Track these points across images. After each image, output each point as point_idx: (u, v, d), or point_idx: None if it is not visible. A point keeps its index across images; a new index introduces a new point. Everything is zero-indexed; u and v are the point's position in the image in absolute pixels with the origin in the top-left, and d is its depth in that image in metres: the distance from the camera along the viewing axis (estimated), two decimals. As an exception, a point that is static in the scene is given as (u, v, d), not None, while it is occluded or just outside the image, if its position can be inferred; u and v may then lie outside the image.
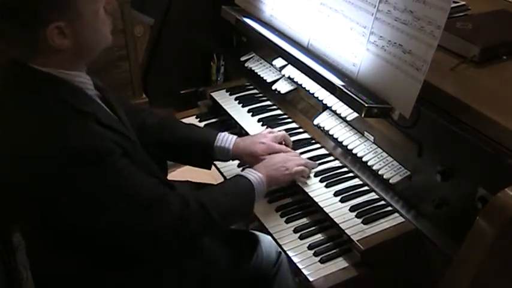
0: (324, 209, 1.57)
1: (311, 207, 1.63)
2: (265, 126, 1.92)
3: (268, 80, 2.04)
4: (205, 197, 1.40)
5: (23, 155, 1.19)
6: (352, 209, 1.56)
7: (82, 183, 1.19)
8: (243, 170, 1.79)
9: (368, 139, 1.68)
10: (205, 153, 1.69)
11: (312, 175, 1.68)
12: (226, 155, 1.69)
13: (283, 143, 1.75)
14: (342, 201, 1.59)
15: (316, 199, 1.60)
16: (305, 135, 1.88)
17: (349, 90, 1.48)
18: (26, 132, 1.20)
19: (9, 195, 1.34)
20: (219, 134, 1.69)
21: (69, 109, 1.20)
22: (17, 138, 1.21)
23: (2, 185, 1.30)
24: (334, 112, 1.72)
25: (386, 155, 1.62)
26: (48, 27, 1.16)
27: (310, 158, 1.75)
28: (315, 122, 1.83)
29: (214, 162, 1.79)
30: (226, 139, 1.68)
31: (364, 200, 1.60)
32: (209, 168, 1.76)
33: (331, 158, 1.77)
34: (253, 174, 1.52)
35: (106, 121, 1.26)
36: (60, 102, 1.21)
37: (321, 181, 1.66)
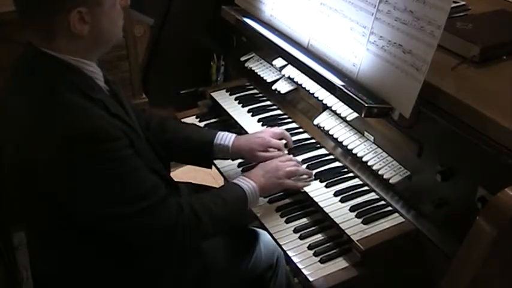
0: (324, 209, 1.57)
1: (311, 207, 1.63)
2: (265, 126, 1.92)
3: (268, 80, 2.04)
4: (199, 205, 1.40)
5: (31, 135, 1.21)
6: (352, 209, 1.56)
7: (85, 164, 1.20)
8: (243, 170, 1.79)
9: (368, 139, 1.68)
10: (205, 152, 1.70)
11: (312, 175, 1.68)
12: (226, 152, 1.70)
13: (284, 140, 1.76)
14: (342, 201, 1.59)
15: (316, 199, 1.60)
16: (305, 135, 1.88)
17: (349, 90, 1.48)
18: (35, 114, 1.21)
19: (15, 186, 1.34)
20: (218, 132, 1.70)
21: (79, 94, 1.23)
22: (26, 120, 1.22)
23: (9, 178, 1.31)
24: (334, 112, 1.72)
25: (386, 155, 1.62)
26: (71, 11, 1.19)
27: (311, 158, 1.75)
28: (315, 122, 1.83)
29: (215, 162, 1.80)
30: (226, 137, 1.69)
31: (364, 200, 1.60)
32: (210, 167, 1.77)
33: (331, 158, 1.77)
34: (247, 183, 1.52)
35: (114, 110, 1.28)
36: (70, 86, 1.23)
37: (321, 181, 1.66)
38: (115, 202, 1.26)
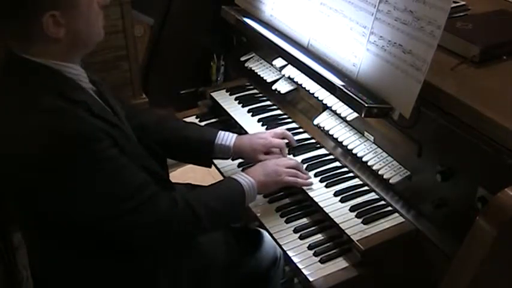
0: (324, 209, 1.57)
1: (311, 207, 1.63)
2: (265, 126, 1.92)
3: (268, 80, 2.04)
4: (195, 199, 1.40)
5: (10, 142, 1.20)
6: (352, 209, 1.56)
7: (68, 168, 1.20)
8: (243, 170, 1.79)
9: (368, 139, 1.68)
10: (205, 152, 1.69)
11: (312, 175, 1.68)
12: (227, 152, 1.69)
13: (286, 140, 1.77)
14: (342, 201, 1.59)
15: (316, 199, 1.60)
16: (305, 135, 1.88)
17: (349, 90, 1.48)
18: (15, 120, 1.20)
19: (5, 190, 1.34)
20: (219, 132, 1.70)
21: (59, 98, 1.21)
22: (5, 126, 1.22)
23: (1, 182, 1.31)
24: (334, 112, 1.72)
25: (387, 155, 1.62)
26: (44, 15, 1.17)
27: (311, 158, 1.75)
28: (315, 122, 1.83)
29: (215, 162, 1.80)
30: (227, 137, 1.69)
31: (364, 200, 1.60)
32: (209, 167, 1.77)
33: (331, 158, 1.77)
34: (245, 179, 1.51)
35: (97, 111, 1.26)
36: (51, 91, 1.21)
37: (321, 181, 1.66)
38: (102, 203, 1.25)
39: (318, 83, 1.65)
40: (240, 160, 1.83)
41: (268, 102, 2.07)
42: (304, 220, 1.61)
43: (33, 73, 1.23)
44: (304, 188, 1.63)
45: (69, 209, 1.25)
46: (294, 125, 1.94)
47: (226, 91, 2.14)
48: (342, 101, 1.55)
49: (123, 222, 1.28)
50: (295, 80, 1.83)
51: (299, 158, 1.75)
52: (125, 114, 1.48)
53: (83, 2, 1.23)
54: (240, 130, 1.93)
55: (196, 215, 1.37)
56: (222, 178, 1.85)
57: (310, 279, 1.43)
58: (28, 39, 1.22)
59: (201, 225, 1.39)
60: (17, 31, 1.21)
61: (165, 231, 1.34)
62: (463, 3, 1.82)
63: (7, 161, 1.23)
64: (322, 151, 1.80)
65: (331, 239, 1.54)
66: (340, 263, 1.47)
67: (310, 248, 1.51)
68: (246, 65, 2.17)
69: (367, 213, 1.54)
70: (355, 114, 1.61)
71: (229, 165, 1.83)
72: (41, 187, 1.22)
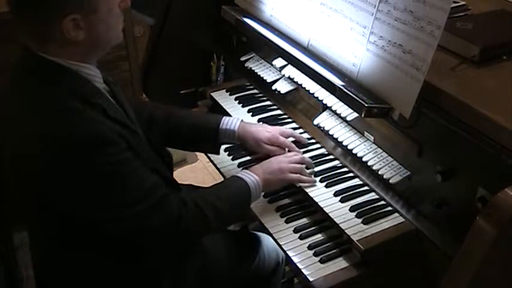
0: (324, 209, 1.57)
1: (311, 207, 1.63)
2: (265, 126, 1.92)
3: (268, 80, 2.04)
4: (203, 199, 1.40)
5: (29, 138, 1.20)
6: (352, 209, 1.56)
7: (83, 169, 1.20)
8: (245, 168, 1.79)
9: (368, 139, 1.68)
10: (211, 137, 1.70)
11: (312, 176, 1.68)
12: (232, 137, 1.70)
13: (291, 138, 1.77)
14: (342, 201, 1.59)
15: (316, 199, 1.60)
16: (305, 135, 1.87)
17: (349, 90, 1.48)
18: (34, 117, 1.21)
19: (15, 186, 1.34)
20: (223, 117, 1.71)
21: (77, 99, 1.22)
22: (25, 123, 1.22)
23: (9, 178, 1.31)
24: (334, 112, 1.72)
25: (387, 155, 1.62)
26: (65, 18, 1.18)
27: (311, 158, 1.75)
28: (315, 122, 1.83)
29: (215, 162, 1.80)
30: (231, 122, 1.70)
31: (364, 200, 1.60)
32: (217, 153, 1.77)
33: (331, 158, 1.77)
34: (250, 177, 1.52)
35: (113, 114, 1.27)
36: (68, 91, 1.22)
37: (321, 181, 1.66)
38: (115, 205, 1.26)
39: (318, 83, 1.65)
40: (241, 160, 1.83)
41: (268, 102, 2.07)
42: (304, 220, 1.61)
43: (50, 72, 1.23)
44: (304, 188, 1.63)
45: (80, 209, 1.25)
46: (294, 125, 1.94)
47: (226, 91, 2.14)
48: (342, 101, 1.55)
49: (134, 224, 1.29)
50: (295, 80, 1.83)
51: (299, 158, 1.75)
52: (133, 111, 1.48)
53: (103, 7, 1.23)
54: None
55: (205, 215, 1.37)
56: (222, 178, 1.86)
57: (310, 279, 1.43)
58: (46, 40, 1.22)
59: (210, 226, 1.40)
60: (37, 32, 1.22)
61: (174, 232, 1.34)
62: (463, 3, 1.82)
63: (23, 161, 1.23)
64: (322, 151, 1.80)
65: (331, 239, 1.54)
66: (340, 263, 1.47)
67: (310, 248, 1.51)
68: (246, 65, 2.17)
69: (367, 213, 1.54)
70: (355, 114, 1.61)
71: (229, 165, 1.83)
72: (55, 188, 1.22)
